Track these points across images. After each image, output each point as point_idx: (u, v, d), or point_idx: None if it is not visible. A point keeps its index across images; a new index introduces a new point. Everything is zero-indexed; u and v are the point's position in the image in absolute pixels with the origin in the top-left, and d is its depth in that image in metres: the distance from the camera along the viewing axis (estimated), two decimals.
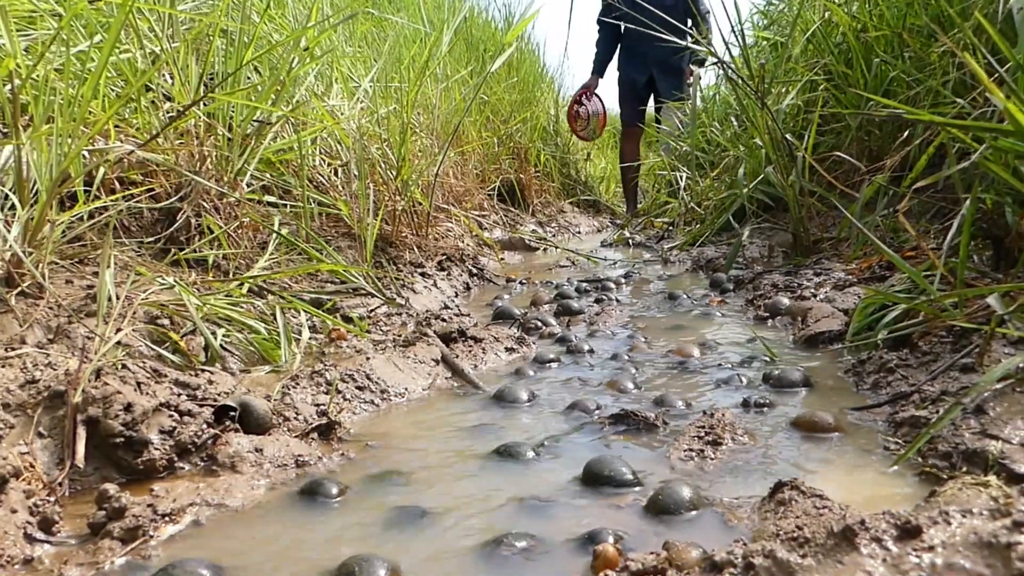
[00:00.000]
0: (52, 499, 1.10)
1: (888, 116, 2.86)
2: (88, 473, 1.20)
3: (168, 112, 2.44)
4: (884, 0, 3.38)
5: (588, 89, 7.52)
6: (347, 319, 2.19)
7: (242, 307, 1.97)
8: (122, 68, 2.34)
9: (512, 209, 5.57)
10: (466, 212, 4.25)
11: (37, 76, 1.98)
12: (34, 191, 1.78)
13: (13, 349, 1.38)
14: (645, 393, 1.64)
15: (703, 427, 1.33)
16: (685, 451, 1.28)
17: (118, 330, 1.60)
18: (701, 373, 1.77)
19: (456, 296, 2.96)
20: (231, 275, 2.29)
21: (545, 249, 4.60)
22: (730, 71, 3.02)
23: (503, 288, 3.21)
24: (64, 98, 1.88)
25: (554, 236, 5.55)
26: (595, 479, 1.17)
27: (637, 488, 1.15)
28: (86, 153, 2.05)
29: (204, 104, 2.35)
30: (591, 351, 1.99)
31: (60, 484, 1.15)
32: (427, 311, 2.45)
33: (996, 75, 1.74)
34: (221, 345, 1.77)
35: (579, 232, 5.94)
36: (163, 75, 2.52)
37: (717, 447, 1.28)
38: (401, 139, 3.10)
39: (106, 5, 2.32)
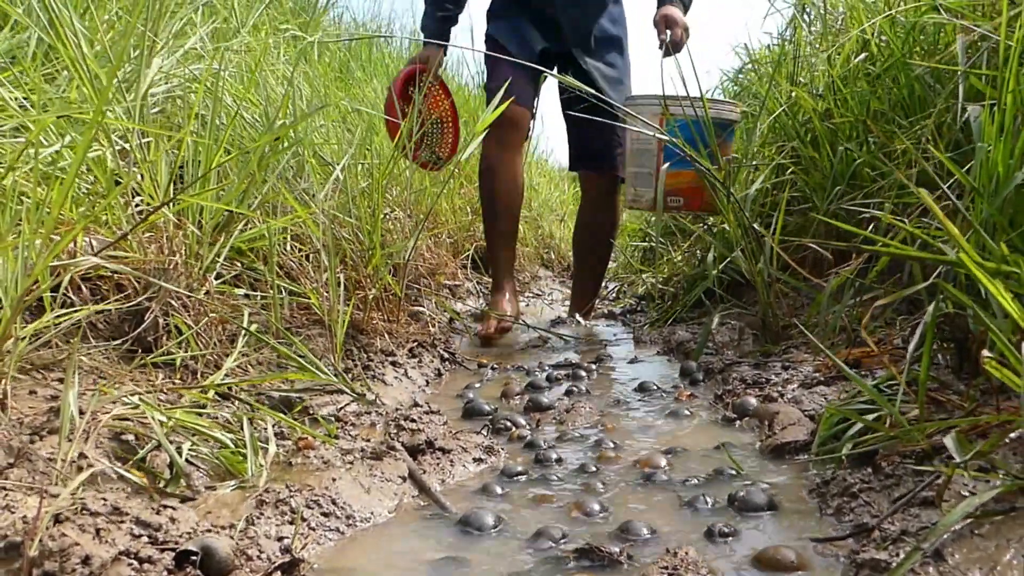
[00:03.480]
0: None
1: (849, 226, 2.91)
2: None
3: (137, 207, 2.45)
4: (848, 87, 3.46)
5: (424, 66, 3.97)
6: (315, 421, 2.18)
7: (209, 415, 1.96)
8: (91, 165, 2.35)
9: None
10: (439, 288, 4.26)
11: (4, 184, 1.98)
12: None
13: None
14: (611, 514, 1.65)
15: (666, 567, 1.33)
16: None
17: (81, 454, 1.59)
18: (667, 490, 1.78)
19: (427, 384, 2.96)
20: (199, 374, 2.28)
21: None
22: (696, 164, 3.07)
23: (474, 374, 3.22)
24: (32, 201, 1.88)
25: (528, 304, 5.57)
26: None
27: None
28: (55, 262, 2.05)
29: (173, 203, 2.35)
30: (559, 460, 1.99)
31: None
32: (397, 407, 2.44)
33: (947, 203, 1.79)
34: (186, 459, 1.75)
35: (553, 299, 5.96)
36: (134, 171, 2.53)
37: None
38: (372, 225, 3.11)
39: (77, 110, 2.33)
